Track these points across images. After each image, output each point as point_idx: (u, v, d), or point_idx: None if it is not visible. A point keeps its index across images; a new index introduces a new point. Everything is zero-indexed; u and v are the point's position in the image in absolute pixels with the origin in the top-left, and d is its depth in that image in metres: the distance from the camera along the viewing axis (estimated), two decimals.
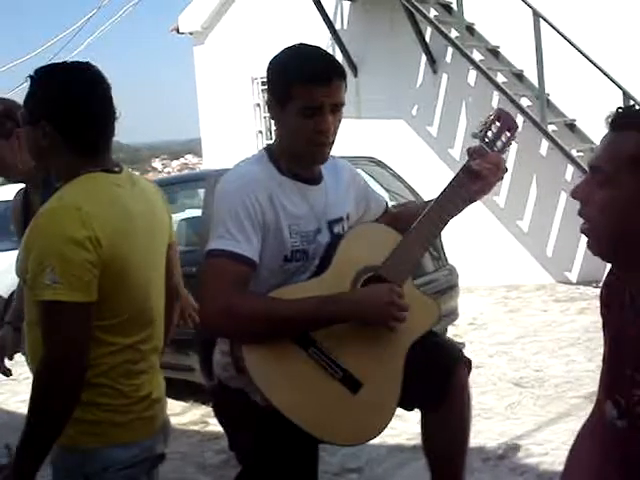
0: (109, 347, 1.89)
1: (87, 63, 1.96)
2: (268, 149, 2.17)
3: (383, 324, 2.06)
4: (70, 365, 1.78)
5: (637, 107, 1.50)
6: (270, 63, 2.09)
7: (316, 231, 2.13)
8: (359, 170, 2.48)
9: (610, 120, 1.47)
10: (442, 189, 2.18)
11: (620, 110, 1.48)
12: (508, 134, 2.23)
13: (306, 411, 2.01)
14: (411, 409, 2.26)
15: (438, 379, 2.15)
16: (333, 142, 2.10)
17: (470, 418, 2.24)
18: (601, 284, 1.65)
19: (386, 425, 2.11)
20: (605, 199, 1.43)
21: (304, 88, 1.99)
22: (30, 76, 1.95)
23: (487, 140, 2.21)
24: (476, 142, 2.22)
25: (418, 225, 2.16)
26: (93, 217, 1.82)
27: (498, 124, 2.22)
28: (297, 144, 2.06)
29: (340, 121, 2.09)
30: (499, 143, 2.22)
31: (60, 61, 2.01)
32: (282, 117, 2.07)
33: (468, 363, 2.24)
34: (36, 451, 1.80)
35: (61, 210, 1.83)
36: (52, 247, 1.78)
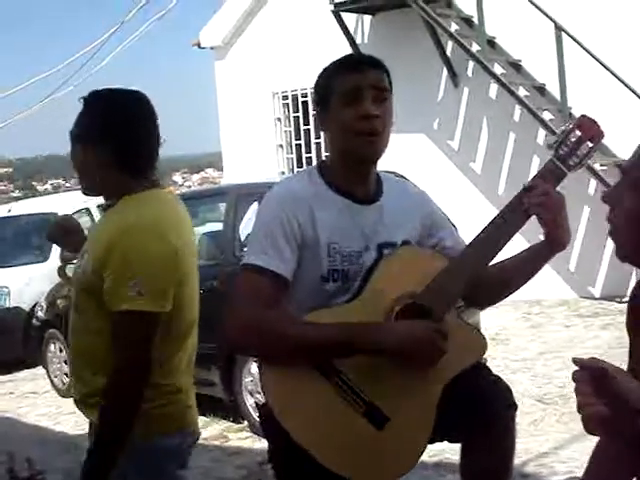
0: (179, 349, 2.01)
1: (137, 91, 2.03)
2: (319, 165, 2.14)
3: (416, 364, 1.93)
4: (143, 369, 1.88)
5: None
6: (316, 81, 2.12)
7: (361, 252, 2.02)
8: None
9: None
10: (498, 212, 2.02)
11: None
12: (590, 145, 1.96)
13: (325, 446, 1.90)
14: (451, 442, 2.15)
15: (485, 421, 1.99)
16: (382, 136, 2.00)
17: (512, 460, 2.09)
18: (626, 300, 1.62)
19: (414, 464, 1.98)
20: (631, 205, 1.39)
21: (341, 77, 2.01)
22: (84, 98, 2.00)
23: (561, 152, 1.98)
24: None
25: (467, 251, 2.02)
26: (170, 231, 1.94)
27: (579, 133, 1.97)
28: (346, 140, 2.00)
29: (390, 115, 2.03)
30: (575, 156, 1.98)
31: (114, 87, 2.07)
32: (329, 120, 2.04)
33: (515, 406, 2.09)
34: (110, 449, 1.89)
35: (140, 226, 1.91)
36: (136, 261, 1.86)
